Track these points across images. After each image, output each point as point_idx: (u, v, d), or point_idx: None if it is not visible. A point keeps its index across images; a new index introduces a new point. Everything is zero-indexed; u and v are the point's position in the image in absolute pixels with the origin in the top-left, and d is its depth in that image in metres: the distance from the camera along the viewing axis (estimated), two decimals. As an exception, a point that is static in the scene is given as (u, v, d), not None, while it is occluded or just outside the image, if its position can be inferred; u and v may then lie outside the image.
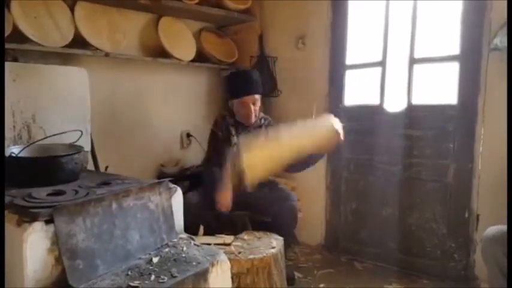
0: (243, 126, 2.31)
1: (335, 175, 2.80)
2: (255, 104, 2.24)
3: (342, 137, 1.89)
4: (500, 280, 1.58)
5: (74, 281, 1.10)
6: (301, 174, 2.81)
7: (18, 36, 1.94)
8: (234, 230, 2.08)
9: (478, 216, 2.22)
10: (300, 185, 2.82)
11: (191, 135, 2.98)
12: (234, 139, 2.29)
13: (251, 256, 1.77)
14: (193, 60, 2.81)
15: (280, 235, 2.04)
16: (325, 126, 1.87)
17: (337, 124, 1.90)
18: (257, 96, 2.25)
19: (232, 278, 1.45)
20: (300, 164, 1.98)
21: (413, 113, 2.42)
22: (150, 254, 1.33)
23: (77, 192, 1.30)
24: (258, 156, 1.73)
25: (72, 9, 2.21)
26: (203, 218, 2.03)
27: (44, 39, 2.03)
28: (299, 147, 1.81)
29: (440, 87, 2.37)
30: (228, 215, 2.19)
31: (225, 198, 2.05)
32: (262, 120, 2.38)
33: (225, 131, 2.28)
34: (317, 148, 1.89)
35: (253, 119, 2.27)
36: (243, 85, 2.24)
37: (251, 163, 1.70)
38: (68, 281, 1.09)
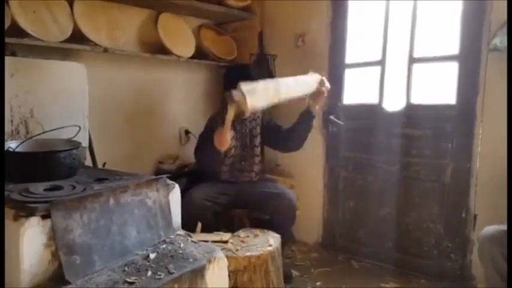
0: (239, 121, 2.32)
1: (333, 173, 2.80)
2: None
3: (326, 84, 2.07)
4: (496, 280, 1.59)
5: (71, 276, 1.10)
6: (300, 173, 2.83)
7: (17, 30, 1.93)
8: (232, 227, 2.08)
9: (475, 216, 2.22)
10: (298, 183, 2.82)
11: (189, 132, 2.97)
12: (231, 133, 2.29)
13: (248, 253, 1.78)
14: (192, 57, 2.80)
15: (278, 233, 2.04)
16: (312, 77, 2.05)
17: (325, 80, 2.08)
18: None
19: (229, 275, 1.45)
20: (299, 127, 2.19)
21: (412, 113, 2.42)
22: (147, 250, 1.33)
23: (74, 187, 1.29)
24: (257, 87, 1.78)
25: (71, 4, 2.20)
26: (201, 215, 2.03)
27: (43, 34, 2.02)
28: (293, 88, 1.95)
29: (439, 87, 2.37)
30: (227, 212, 2.20)
31: (223, 137, 1.97)
32: (258, 113, 2.38)
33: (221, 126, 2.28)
34: (307, 92, 2.05)
35: (247, 113, 2.27)
36: (240, 80, 2.24)
37: (251, 89, 1.74)
38: (65, 276, 1.09)
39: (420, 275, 2.41)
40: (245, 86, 1.73)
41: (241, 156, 2.37)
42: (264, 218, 2.25)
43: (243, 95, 1.71)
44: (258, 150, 2.39)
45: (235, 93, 1.74)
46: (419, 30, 2.35)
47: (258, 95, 1.76)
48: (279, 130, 2.35)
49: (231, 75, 2.35)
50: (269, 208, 2.19)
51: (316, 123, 2.65)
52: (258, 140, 2.38)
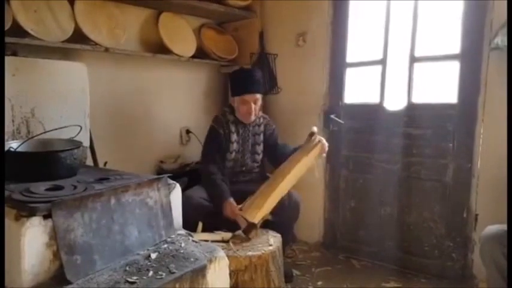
0: (243, 124, 2.32)
1: (334, 173, 2.80)
2: (255, 103, 2.25)
3: (325, 151, 2.14)
4: (498, 279, 1.58)
5: (72, 275, 1.10)
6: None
7: (18, 30, 1.93)
8: (232, 227, 2.08)
9: (476, 216, 2.22)
10: (299, 183, 2.79)
11: (190, 132, 2.97)
12: (234, 137, 2.29)
13: (249, 253, 1.78)
14: (193, 57, 2.80)
15: (280, 232, 2.04)
16: (314, 148, 2.09)
17: (322, 141, 2.12)
18: (258, 96, 2.26)
19: (230, 274, 1.45)
20: None
21: (413, 112, 2.42)
22: (148, 249, 1.33)
23: (75, 187, 1.29)
24: (264, 209, 1.93)
25: (72, 4, 2.20)
26: (202, 215, 2.03)
27: (44, 34, 2.02)
28: (294, 180, 2.05)
29: (441, 86, 2.37)
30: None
31: (230, 209, 2.03)
32: (261, 119, 2.38)
33: (226, 127, 2.29)
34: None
35: (252, 118, 2.28)
36: (245, 83, 2.24)
37: (260, 218, 1.91)
38: (66, 276, 1.09)
39: (421, 274, 2.40)
40: (258, 218, 1.90)
41: (241, 161, 2.35)
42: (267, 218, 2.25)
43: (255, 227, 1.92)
44: (259, 157, 2.37)
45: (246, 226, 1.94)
46: (421, 29, 2.35)
47: (264, 214, 1.94)
48: (275, 148, 2.35)
49: (236, 79, 2.33)
50: (274, 207, 2.19)
51: (317, 123, 2.65)
52: (260, 148, 2.36)
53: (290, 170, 2.01)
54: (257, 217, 1.89)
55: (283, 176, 2.00)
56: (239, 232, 1.97)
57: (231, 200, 2.07)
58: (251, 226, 1.92)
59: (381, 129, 2.53)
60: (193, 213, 1.94)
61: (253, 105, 2.23)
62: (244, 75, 2.30)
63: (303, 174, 2.07)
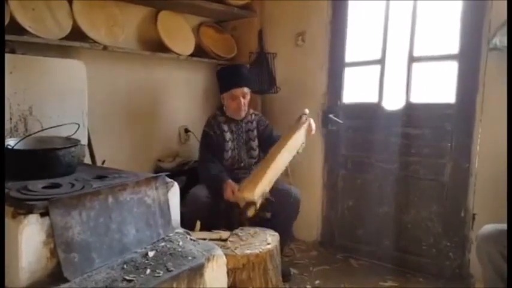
0: (235, 122, 2.36)
1: (332, 172, 2.80)
2: (244, 97, 2.29)
3: (313, 130, 2.18)
4: (494, 278, 1.59)
5: (69, 273, 1.10)
6: (299, 171, 2.82)
7: (16, 27, 1.92)
8: (231, 225, 2.08)
9: (474, 215, 2.22)
10: (297, 182, 2.79)
11: (189, 131, 2.97)
12: (228, 135, 2.31)
13: (247, 252, 1.78)
14: (191, 55, 2.80)
15: (280, 230, 2.05)
16: (302, 128, 2.11)
17: (310, 121, 2.15)
18: (246, 90, 2.29)
19: (228, 273, 1.45)
20: None
21: (412, 112, 2.42)
22: (146, 248, 1.33)
23: (73, 185, 1.29)
24: (262, 185, 1.91)
25: (70, 2, 2.19)
26: (204, 214, 2.03)
27: (42, 32, 2.01)
28: (288, 157, 2.06)
29: (439, 86, 2.37)
30: (227, 211, 2.20)
31: (231, 189, 2.05)
32: (253, 116, 2.42)
33: (218, 129, 2.32)
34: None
35: (243, 113, 2.32)
36: (232, 78, 2.30)
37: (258, 194, 1.90)
38: (63, 274, 1.09)
39: (419, 273, 2.41)
40: (257, 195, 1.89)
41: (238, 158, 2.37)
42: (265, 217, 2.25)
43: (254, 204, 1.91)
44: (255, 153, 2.40)
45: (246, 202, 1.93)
46: (419, 29, 2.35)
47: (263, 191, 1.94)
48: (270, 140, 2.35)
49: (223, 75, 2.36)
50: (274, 205, 2.19)
51: (316, 122, 2.66)
52: (255, 144, 2.39)
53: (282, 146, 2.02)
54: (256, 193, 1.88)
55: (276, 153, 2.00)
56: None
57: (230, 180, 2.10)
58: (250, 204, 1.91)
59: (379, 129, 2.54)
60: (196, 212, 1.95)
61: (242, 100, 2.27)
62: (231, 71, 2.35)
63: (296, 151, 2.09)
